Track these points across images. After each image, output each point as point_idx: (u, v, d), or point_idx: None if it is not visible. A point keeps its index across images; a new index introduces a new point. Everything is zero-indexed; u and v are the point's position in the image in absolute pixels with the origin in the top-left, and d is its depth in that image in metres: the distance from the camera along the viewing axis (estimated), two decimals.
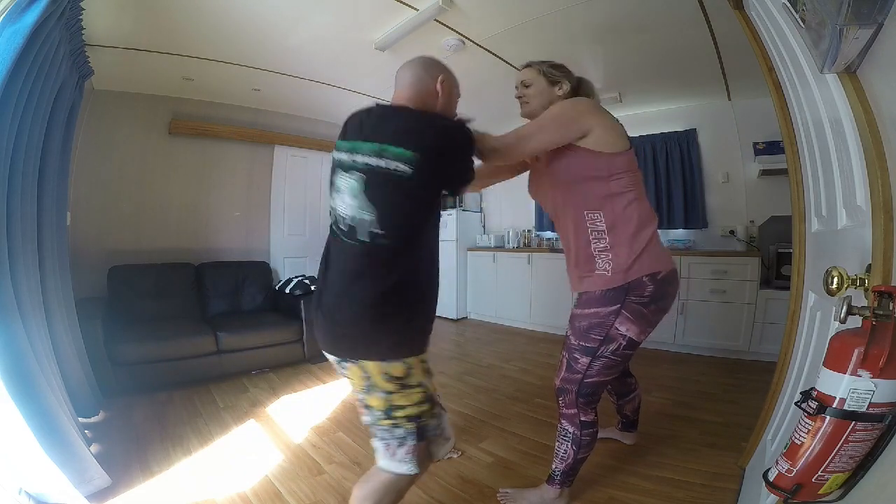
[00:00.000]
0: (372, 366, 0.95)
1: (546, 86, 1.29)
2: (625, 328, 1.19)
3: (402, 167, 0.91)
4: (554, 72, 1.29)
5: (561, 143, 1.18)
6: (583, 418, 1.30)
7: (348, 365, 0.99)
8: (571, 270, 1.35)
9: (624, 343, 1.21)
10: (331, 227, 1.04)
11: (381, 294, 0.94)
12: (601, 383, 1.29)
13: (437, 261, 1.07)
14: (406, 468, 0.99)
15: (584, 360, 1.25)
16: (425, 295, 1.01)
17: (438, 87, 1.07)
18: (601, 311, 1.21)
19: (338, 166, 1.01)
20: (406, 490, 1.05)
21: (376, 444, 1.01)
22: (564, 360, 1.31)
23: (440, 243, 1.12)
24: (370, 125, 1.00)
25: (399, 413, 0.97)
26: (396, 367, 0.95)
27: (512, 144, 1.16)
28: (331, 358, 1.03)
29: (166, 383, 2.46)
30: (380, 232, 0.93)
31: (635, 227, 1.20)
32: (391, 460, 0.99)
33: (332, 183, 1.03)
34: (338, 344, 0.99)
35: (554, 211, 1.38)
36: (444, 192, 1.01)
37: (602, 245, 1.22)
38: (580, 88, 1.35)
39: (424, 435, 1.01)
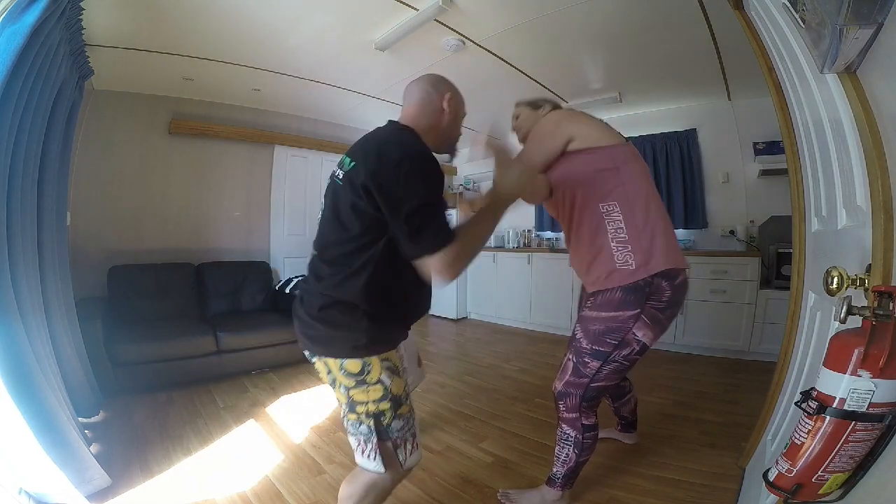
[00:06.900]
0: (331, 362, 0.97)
1: (530, 112, 1.49)
2: (641, 333, 1.19)
3: (340, 175, 0.96)
4: (536, 100, 1.52)
5: (554, 154, 1.28)
6: (584, 422, 1.29)
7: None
8: (589, 271, 1.31)
9: (637, 348, 1.21)
10: None
11: (319, 305, 0.96)
12: (606, 388, 1.29)
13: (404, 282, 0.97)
14: (373, 466, 0.97)
15: (595, 364, 1.23)
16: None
17: (445, 104, 1.07)
18: (621, 314, 1.19)
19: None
20: (388, 491, 1.03)
21: (350, 440, 1.01)
22: (570, 364, 1.29)
23: None
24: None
25: (360, 408, 0.96)
26: (352, 364, 0.95)
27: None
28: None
29: (166, 383, 2.46)
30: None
31: (650, 216, 1.21)
32: (361, 457, 0.99)
33: None
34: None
35: (570, 217, 1.34)
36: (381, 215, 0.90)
37: (621, 237, 1.21)
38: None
39: (387, 435, 0.98)
